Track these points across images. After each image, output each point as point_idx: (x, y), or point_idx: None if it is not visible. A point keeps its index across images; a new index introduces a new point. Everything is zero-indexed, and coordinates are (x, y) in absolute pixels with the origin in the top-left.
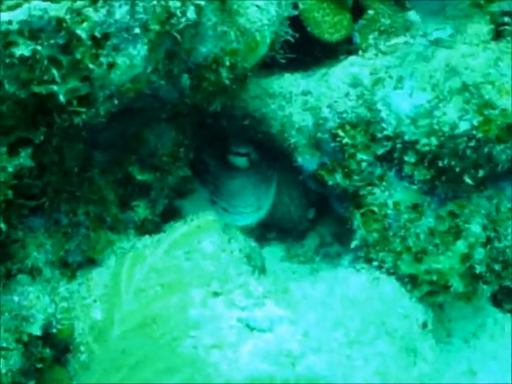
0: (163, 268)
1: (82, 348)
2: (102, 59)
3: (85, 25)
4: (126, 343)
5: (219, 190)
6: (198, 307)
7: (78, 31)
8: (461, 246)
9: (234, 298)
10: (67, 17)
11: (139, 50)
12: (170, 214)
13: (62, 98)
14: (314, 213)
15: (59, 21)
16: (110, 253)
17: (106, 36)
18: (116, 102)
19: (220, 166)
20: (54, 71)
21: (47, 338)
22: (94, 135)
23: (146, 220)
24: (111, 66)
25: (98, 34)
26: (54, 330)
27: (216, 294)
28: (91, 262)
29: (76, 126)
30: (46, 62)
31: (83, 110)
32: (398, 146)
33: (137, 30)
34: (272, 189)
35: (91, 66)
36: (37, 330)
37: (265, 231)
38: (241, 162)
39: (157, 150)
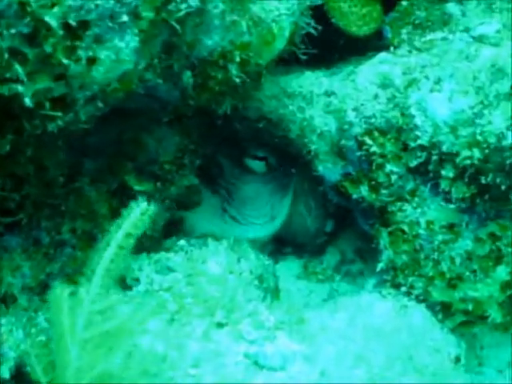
0: (159, 294)
1: None
2: (80, 53)
3: (56, 10)
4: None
5: (232, 195)
6: (199, 341)
7: (47, 18)
8: (502, 272)
9: (241, 330)
10: None
11: (128, 42)
12: (172, 229)
13: (28, 100)
14: (332, 225)
15: (22, 4)
16: None
17: (85, 24)
18: (100, 104)
19: (236, 170)
20: (18, 67)
21: (20, 379)
22: (83, 140)
23: (143, 236)
24: (92, 61)
25: (73, 22)
26: (29, 369)
27: (221, 325)
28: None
29: (51, 133)
30: (6, 56)
31: (58, 114)
32: (434, 157)
33: (124, 18)
34: (288, 198)
35: (66, 61)
36: (6, 373)
37: (280, 245)
38: (258, 165)
39: (157, 156)
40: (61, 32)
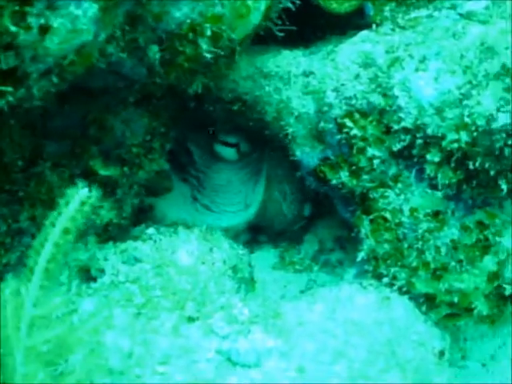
0: (126, 286)
1: None
2: (31, 20)
3: None
4: None
5: (202, 184)
6: (168, 336)
7: None
8: (489, 262)
9: (213, 324)
10: None
11: (86, 10)
12: (141, 217)
13: None
14: (310, 209)
15: None
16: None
17: None
18: (56, 79)
19: (206, 157)
20: None
21: None
22: (44, 121)
23: (110, 224)
24: (45, 30)
25: None
26: None
27: (191, 320)
28: None
29: (2, 111)
30: None
31: (9, 89)
32: (419, 140)
33: None
34: (261, 184)
35: (14, 28)
36: None
37: (255, 233)
38: (229, 153)
39: (124, 139)
40: None
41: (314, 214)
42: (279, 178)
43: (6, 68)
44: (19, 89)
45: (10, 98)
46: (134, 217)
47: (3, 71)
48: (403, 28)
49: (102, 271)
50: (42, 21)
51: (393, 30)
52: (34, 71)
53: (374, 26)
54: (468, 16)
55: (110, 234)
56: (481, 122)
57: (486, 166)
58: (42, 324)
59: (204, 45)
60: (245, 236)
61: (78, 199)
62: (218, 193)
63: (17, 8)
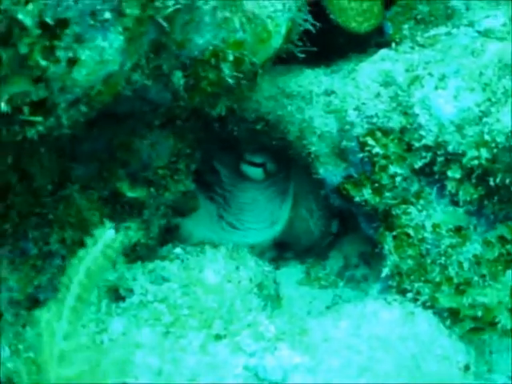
0: (154, 305)
1: None
2: (59, 54)
3: (30, 7)
4: None
5: (228, 203)
6: (196, 354)
7: (21, 16)
8: None
9: (240, 342)
10: None
11: (112, 42)
12: (168, 236)
13: (3, 105)
14: (337, 225)
15: None
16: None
17: (63, 23)
18: (84, 108)
19: (233, 176)
20: None
21: None
22: (72, 146)
23: (137, 244)
24: (73, 62)
25: (50, 20)
26: None
27: (219, 337)
28: None
29: (32, 139)
30: None
31: (39, 119)
32: (440, 158)
33: (107, 15)
34: (287, 202)
35: (43, 62)
36: None
37: (282, 250)
38: (255, 172)
39: (151, 161)
40: (37, 31)
41: (339, 230)
42: (306, 195)
43: (36, 99)
44: (49, 118)
45: (40, 128)
46: (161, 237)
47: (34, 102)
48: (422, 46)
49: (131, 291)
50: (70, 54)
51: (412, 48)
52: (63, 101)
53: (393, 44)
54: (486, 33)
55: (137, 253)
56: (500, 139)
57: (507, 181)
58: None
59: (226, 70)
60: (271, 253)
61: (102, 243)
62: (243, 211)
63: (46, 43)
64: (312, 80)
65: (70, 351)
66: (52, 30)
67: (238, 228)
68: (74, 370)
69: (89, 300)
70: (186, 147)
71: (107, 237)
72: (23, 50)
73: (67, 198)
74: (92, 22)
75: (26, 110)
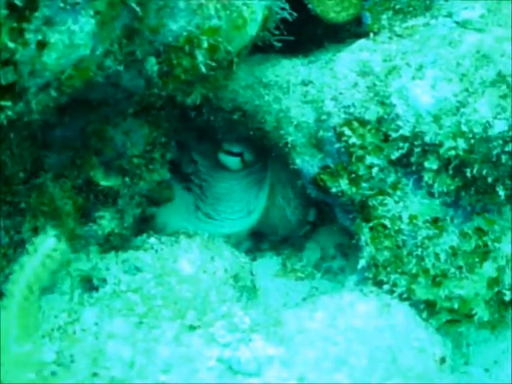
0: (128, 295)
1: None
2: (29, 36)
3: None
4: None
5: (205, 193)
6: (169, 345)
7: None
8: (488, 268)
9: (214, 333)
10: None
11: (83, 25)
12: (143, 226)
13: None
14: (314, 214)
15: None
16: (64, 276)
17: (32, 4)
18: (54, 93)
19: (209, 166)
20: None
21: None
22: (45, 133)
23: (111, 234)
24: (42, 45)
25: (18, 2)
26: None
27: (192, 328)
28: None
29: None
30: None
31: (8, 103)
32: (417, 148)
33: None
34: (264, 192)
35: (12, 45)
36: None
37: (259, 240)
38: (233, 162)
39: (125, 150)
40: (4, 12)
41: (315, 221)
42: (283, 184)
43: (4, 83)
44: (18, 103)
45: (10, 113)
46: (135, 227)
47: (2, 86)
48: (400, 36)
49: (104, 281)
50: (40, 37)
51: (390, 38)
52: (32, 86)
53: (371, 34)
54: (464, 24)
55: (111, 243)
56: (478, 130)
57: (484, 172)
58: None
59: (201, 57)
60: (247, 243)
61: (43, 252)
62: (220, 201)
63: (15, 25)
64: (289, 70)
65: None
66: (21, 12)
67: (215, 218)
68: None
69: (33, 309)
70: (161, 136)
71: (47, 246)
72: None
73: (40, 186)
74: (62, 5)
75: None
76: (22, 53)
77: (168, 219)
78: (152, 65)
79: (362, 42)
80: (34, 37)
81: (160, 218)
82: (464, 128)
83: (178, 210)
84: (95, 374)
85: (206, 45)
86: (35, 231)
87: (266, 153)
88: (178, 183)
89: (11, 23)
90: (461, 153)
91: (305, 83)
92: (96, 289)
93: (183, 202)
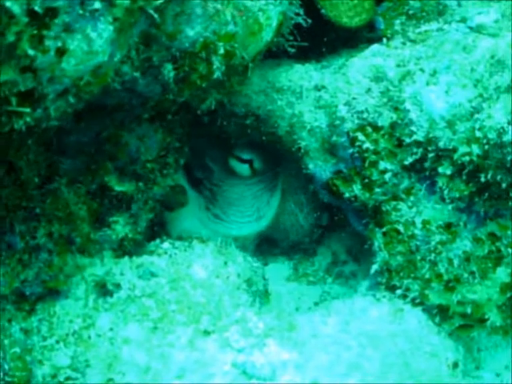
0: (142, 300)
1: None
2: (48, 43)
3: None
4: None
5: (215, 197)
6: (184, 350)
7: (8, 4)
8: (502, 273)
9: (228, 338)
10: None
11: (101, 32)
12: (156, 231)
13: None
14: (327, 218)
15: None
16: (78, 281)
17: (52, 11)
18: (72, 99)
19: (222, 170)
20: None
21: None
22: (60, 139)
23: (125, 239)
24: (62, 52)
25: (38, 9)
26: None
27: (207, 333)
28: (55, 294)
29: (20, 131)
30: None
31: (26, 110)
32: (431, 154)
33: (97, 5)
34: (275, 198)
35: (31, 52)
36: None
37: (270, 245)
38: (242, 169)
39: (139, 155)
40: (25, 19)
41: (328, 225)
42: (295, 189)
43: (24, 90)
44: (37, 109)
45: (28, 119)
46: (149, 231)
47: (21, 93)
48: (414, 42)
49: (118, 286)
50: (59, 43)
51: (403, 43)
52: (51, 92)
53: (384, 39)
54: (478, 29)
55: (125, 248)
56: (492, 136)
57: (498, 178)
58: None
59: (217, 63)
60: (260, 248)
61: None
62: (230, 205)
63: (35, 32)
64: (302, 75)
65: None
66: (41, 19)
67: (223, 219)
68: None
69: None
70: (175, 141)
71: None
72: (11, 38)
73: (55, 191)
74: (81, 12)
75: (13, 100)
76: (42, 60)
77: (178, 219)
78: (169, 71)
79: (375, 47)
80: (54, 44)
81: (172, 227)
82: (478, 134)
83: (189, 209)
84: (110, 380)
85: (222, 51)
86: (50, 236)
87: (277, 160)
88: (190, 188)
89: (31, 31)
90: (475, 158)
91: (318, 88)
92: (110, 294)
93: (194, 202)
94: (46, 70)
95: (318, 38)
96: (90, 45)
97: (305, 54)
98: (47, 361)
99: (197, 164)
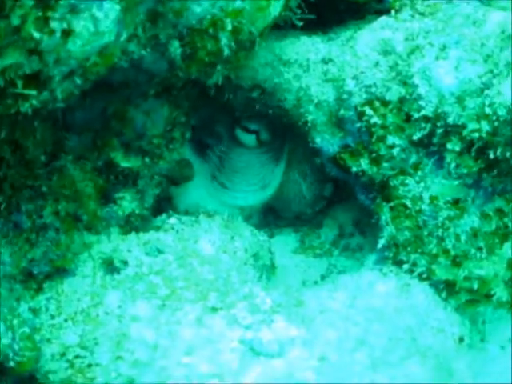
0: (150, 278)
1: (52, 377)
2: (54, 25)
3: None
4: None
5: (223, 164)
6: (192, 327)
7: None
8: (508, 249)
9: (236, 314)
10: None
11: (107, 12)
12: (163, 206)
13: None
14: (331, 189)
15: None
16: (86, 259)
17: None
18: (79, 81)
19: (230, 139)
20: None
21: (3, 373)
22: (65, 115)
23: (132, 215)
24: (67, 33)
25: None
26: (12, 364)
27: (215, 310)
28: (62, 272)
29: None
30: None
31: (33, 92)
32: (439, 129)
33: None
34: (280, 167)
35: (37, 34)
36: None
37: (275, 217)
38: (249, 139)
39: (145, 130)
40: (30, 2)
41: (333, 198)
42: (299, 160)
43: (29, 72)
44: (43, 92)
45: (34, 102)
46: (156, 207)
47: (27, 75)
48: (422, 14)
49: (126, 263)
50: (65, 25)
51: (412, 16)
52: (57, 74)
53: (393, 12)
54: (488, 2)
55: (132, 224)
56: (502, 112)
57: (507, 155)
58: None
59: (224, 39)
60: (258, 218)
61: None
62: (236, 173)
63: (40, 14)
64: (309, 47)
65: None
66: (46, 1)
67: (229, 188)
68: None
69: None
70: (181, 115)
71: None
72: (16, 21)
73: (61, 169)
74: None
75: (19, 83)
76: (47, 42)
77: (184, 190)
78: (175, 48)
79: (383, 19)
80: (59, 25)
81: (178, 202)
82: (488, 110)
83: (194, 180)
84: (119, 357)
85: (229, 27)
86: (57, 215)
87: (283, 132)
88: (195, 156)
89: (36, 13)
90: (484, 135)
91: (325, 61)
92: (118, 271)
93: (200, 172)
94: (51, 52)
95: (326, 11)
96: (97, 25)
97: (312, 26)
98: (56, 339)
99: (206, 129)
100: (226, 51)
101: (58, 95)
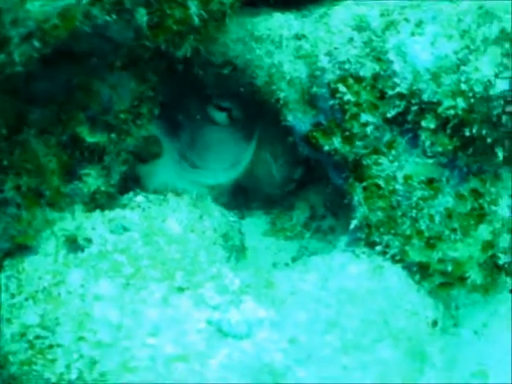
0: (114, 256)
1: (12, 358)
2: None
3: None
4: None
5: (194, 140)
6: (157, 307)
7: None
8: (483, 231)
9: (203, 294)
10: None
11: None
12: (130, 184)
13: None
14: (301, 172)
15: None
16: (48, 236)
17: None
18: (38, 44)
19: (200, 117)
20: None
21: None
22: (27, 86)
23: (97, 192)
24: None
25: None
26: None
27: (181, 290)
28: (24, 249)
29: None
30: None
31: None
32: (414, 107)
33: None
34: (251, 146)
35: None
36: None
37: (246, 199)
38: (220, 117)
39: (112, 104)
40: None
41: (305, 179)
42: (271, 140)
43: None
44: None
45: None
46: (122, 185)
47: None
48: None
49: (90, 241)
50: None
51: None
52: (15, 36)
53: None
54: None
55: (97, 202)
56: (478, 89)
57: (483, 133)
58: None
59: (194, 7)
60: (227, 197)
61: None
62: (207, 151)
63: None
64: (282, 23)
65: None
66: None
67: (199, 167)
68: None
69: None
70: (148, 90)
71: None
72: None
73: (23, 142)
74: None
75: None
76: (4, 0)
77: (152, 171)
78: (142, 15)
79: None
80: None
81: (145, 180)
82: (464, 87)
83: (163, 160)
84: (81, 338)
85: None
86: (18, 189)
87: (255, 110)
88: (165, 135)
89: None
90: (460, 112)
91: (298, 37)
92: (81, 249)
93: (168, 152)
94: (8, 11)
95: None
96: None
97: (285, 2)
98: (16, 319)
99: (176, 106)
100: (196, 20)
101: (16, 58)
